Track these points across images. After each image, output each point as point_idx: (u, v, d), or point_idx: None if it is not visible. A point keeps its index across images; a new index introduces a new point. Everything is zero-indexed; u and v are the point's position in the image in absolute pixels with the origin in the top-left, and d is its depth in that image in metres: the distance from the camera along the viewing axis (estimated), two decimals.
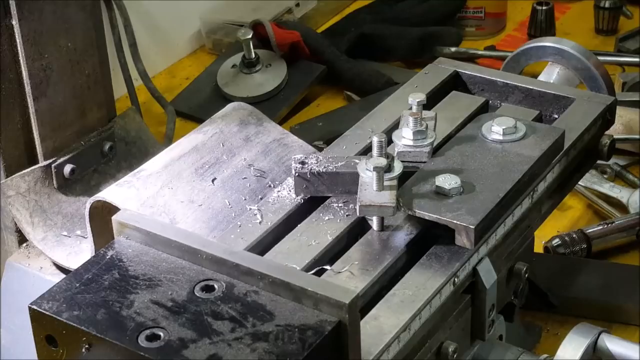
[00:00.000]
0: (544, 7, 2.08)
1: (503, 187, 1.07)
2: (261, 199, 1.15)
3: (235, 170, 1.19)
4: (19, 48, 1.24)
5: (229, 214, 1.14)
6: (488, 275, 1.08)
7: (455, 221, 1.03)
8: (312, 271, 1.02)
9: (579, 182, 1.49)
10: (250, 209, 1.12)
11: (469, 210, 1.04)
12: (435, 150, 1.14)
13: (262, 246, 1.07)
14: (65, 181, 1.33)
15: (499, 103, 1.31)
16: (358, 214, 1.04)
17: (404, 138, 1.13)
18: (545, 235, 1.46)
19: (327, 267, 1.03)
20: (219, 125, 1.26)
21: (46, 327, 0.90)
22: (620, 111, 1.42)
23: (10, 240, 1.33)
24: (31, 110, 1.28)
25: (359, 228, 1.09)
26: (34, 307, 0.90)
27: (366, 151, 1.17)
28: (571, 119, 1.24)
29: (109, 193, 1.15)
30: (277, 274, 0.90)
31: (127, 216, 0.99)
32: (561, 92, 1.29)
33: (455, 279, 1.03)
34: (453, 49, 2.00)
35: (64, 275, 1.02)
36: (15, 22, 1.23)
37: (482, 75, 1.32)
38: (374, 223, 1.08)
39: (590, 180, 1.59)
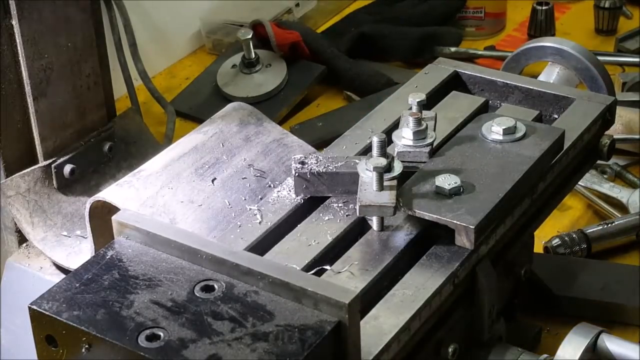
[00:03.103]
0: (544, 7, 2.08)
1: (503, 187, 1.07)
2: (261, 199, 1.15)
3: (235, 170, 1.19)
4: (19, 48, 1.24)
5: (229, 214, 1.14)
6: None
7: (455, 221, 1.03)
8: (312, 271, 1.02)
9: (579, 182, 1.49)
10: (250, 209, 1.12)
11: (469, 210, 1.04)
12: (435, 150, 1.14)
13: (262, 246, 1.07)
14: (65, 181, 1.33)
15: (499, 103, 1.31)
16: (358, 214, 1.04)
17: (404, 138, 1.13)
18: (545, 235, 1.46)
19: (327, 267, 1.03)
20: (219, 125, 1.26)
21: (46, 327, 0.90)
22: (620, 111, 1.43)
23: (10, 240, 1.33)
24: (31, 110, 1.28)
25: (359, 228, 1.09)
26: (34, 307, 0.90)
27: (366, 151, 1.17)
28: (571, 119, 1.24)
29: (109, 193, 1.15)
30: (277, 274, 0.90)
31: (127, 216, 0.99)
32: (561, 92, 1.29)
33: (455, 279, 1.03)
34: (453, 49, 2.00)
35: (63, 276, 1.02)
36: (15, 22, 1.23)
37: (482, 75, 1.32)
38: (374, 223, 1.08)
39: (590, 180, 1.59)
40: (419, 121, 1.12)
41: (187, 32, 2.07)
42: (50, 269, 1.29)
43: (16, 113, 1.28)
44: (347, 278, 1.01)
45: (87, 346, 0.88)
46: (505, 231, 1.11)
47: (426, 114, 1.16)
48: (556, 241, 1.45)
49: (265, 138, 1.25)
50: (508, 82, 1.30)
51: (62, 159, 1.32)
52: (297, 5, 2.10)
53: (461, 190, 1.06)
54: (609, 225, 1.47)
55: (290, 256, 1.04)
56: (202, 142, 1.22)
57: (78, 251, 1.27)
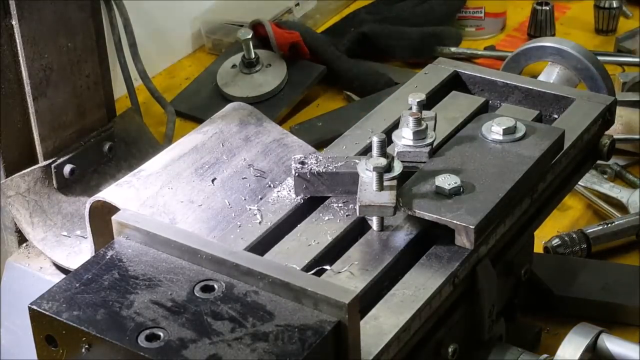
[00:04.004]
0: (544, 7, 2.08)
1: (503, 187, 1.07)
2: (261, 199, 1.15)
3: (235, 171, 1.19)
4: (19, 48, 1.24)
5: (229, 214, 1.14)
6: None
7: (455, 221, 1.03)
8: (312, 271, 1.02)
9: (579, 182, 1.49)
10: (250, 209, 1.12)
11: (468, 210, 1.04)
12: (435, 150, 1.14)
13: (262, 246, 1.07)
14: (65, 181, 1.33)
15: (499, 103, 1.31)
16: (358, 214, 1.04)
17: (404, 138, 1.13)
18: (545, 235, 1.46)
19: (327, 267, 1.03)
20: (219, 125, 1.26)
21: (46, 327, 0.90)
22: (620, 111, 1.42)
23: (10, 240, 1.33)
24: (31, 110, 1.28)
25: (359, 228, 1.09)
26: (34, 307, 0.90)
27: (366, 151, 1.17)
28: (571, 119, 1.24)
29: (109, 193, 1.15)
30: (277, 274, 0.90)
31: (127, 216, 0.99)
32: (561, 92, 1.29)
33: (455, 279, 1.03)
34: (453, 49, 2.00)
35: (63, 276, 1.02)
36: (15, 22, 1.23)
37: (482, 75, 1.32)
38: (374, 223, 1.08)
39: (590, 180, 1.59)
40: (419, 121, 1.12)
41: (187, 32, 2.07)
42: (50, 269, 1.29)
43: (16, 113, 1.28)
44: (347, 278, 1.01)
45: (87, 346, 0.88)
46: (505, 231, 1.11)
47: (426, 114, 1.16)
48: (556, 241, 1.45)
49: (265, 138, 1.25)
50: (508, 82, 1.30)
51: (62, 159, 1.32)
52: (297, 5, 2.10)
53: (461, 190, 1.06)
54: (609, 225, 1.47)
55: (290, 256, 1.04)
56: (202, 142, 1.22)
57: (78, 251, 1.27)
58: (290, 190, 1.13)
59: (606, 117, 1.26)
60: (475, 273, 1.07)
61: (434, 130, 1.15)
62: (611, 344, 1.08)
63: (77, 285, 0.92)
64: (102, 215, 1.16)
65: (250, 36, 1.86)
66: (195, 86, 1.93)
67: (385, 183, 1.04)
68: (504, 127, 1.14)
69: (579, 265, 1.41)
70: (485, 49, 2.03)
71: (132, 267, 0.95)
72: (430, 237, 1.07)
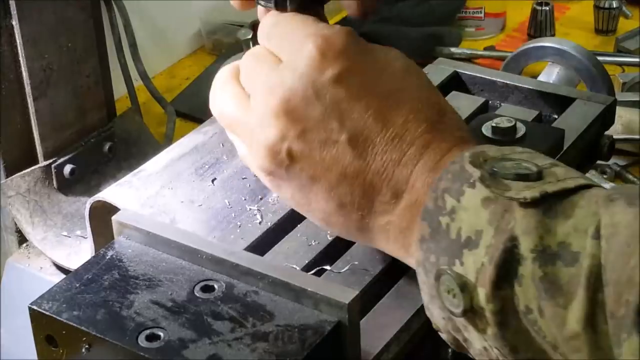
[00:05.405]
0: (543, 8, 2.09)
1: None
2: (261, 199, 1.15)
3: (235, 171, 1.19)
4: (19, 48, 1.24)
5: (229, 214, 1.14)
6: None
7: None
8: (312, 271, 1.02)
9: None
10: (250, 209, 1.12)
11: None
12: None
13: (262, 246, 1.07)
14: (66, 181, 1.33)
15: (499, 103, 1.31)
16: None
17: None
18: None
19: (327, 267, 1.03)
20: (219, 125, 1.25)
21: (46, 327, 0.90)
22: (620, 111, 1.43)
23: (11, 240, 1.34)
24: (31, 110, 1.28)
25: None
26: (34, 307, 0.90)
27: None
28: (571, 119, 1.24)
29: (109, 193, 1.15)
30: (277, 274, 0.91)
31: (127, 216, 0.99)
32: (561, 92, 1.29)
33: None
34: (453, 49, 2.00)
35: (64, 276, 1.02)
36: (15, 22, 1.23)
37: (482, 76, 1.32)
38: None
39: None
40: None
41: (187, 32, 2.07)
42: (51, 269, 1.29)
43: (16, 113, 1.28)
44: (347, 278, 1.01)
45: (87, 346, 0.88)
46: None
47: None
48: None
49: None
50: (508, 82, 1.30)
51: (62, 159, 1.32)
52: None
53: None
54: None
55: (290, 256, 1.04)
56: (202, 143, 1.22)
57: (78, 251, 1.27)
58: None
59: (606, 117, 1.26)
60: None
61: None
62: None
63: (77, 285, 0.92)
64: (102, 215, 1.16)
65: (250, 36, 1.85)
66: (196, 86, 1.93)
67: None
68: (503, 127, 1.14)
69: None
70: (485, 49, 2.03)
71: (132, 267, 0.95)
72: None
